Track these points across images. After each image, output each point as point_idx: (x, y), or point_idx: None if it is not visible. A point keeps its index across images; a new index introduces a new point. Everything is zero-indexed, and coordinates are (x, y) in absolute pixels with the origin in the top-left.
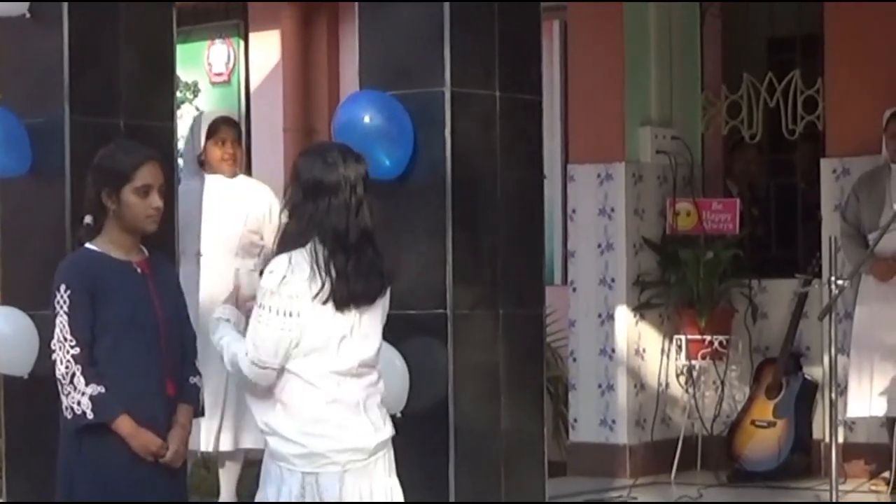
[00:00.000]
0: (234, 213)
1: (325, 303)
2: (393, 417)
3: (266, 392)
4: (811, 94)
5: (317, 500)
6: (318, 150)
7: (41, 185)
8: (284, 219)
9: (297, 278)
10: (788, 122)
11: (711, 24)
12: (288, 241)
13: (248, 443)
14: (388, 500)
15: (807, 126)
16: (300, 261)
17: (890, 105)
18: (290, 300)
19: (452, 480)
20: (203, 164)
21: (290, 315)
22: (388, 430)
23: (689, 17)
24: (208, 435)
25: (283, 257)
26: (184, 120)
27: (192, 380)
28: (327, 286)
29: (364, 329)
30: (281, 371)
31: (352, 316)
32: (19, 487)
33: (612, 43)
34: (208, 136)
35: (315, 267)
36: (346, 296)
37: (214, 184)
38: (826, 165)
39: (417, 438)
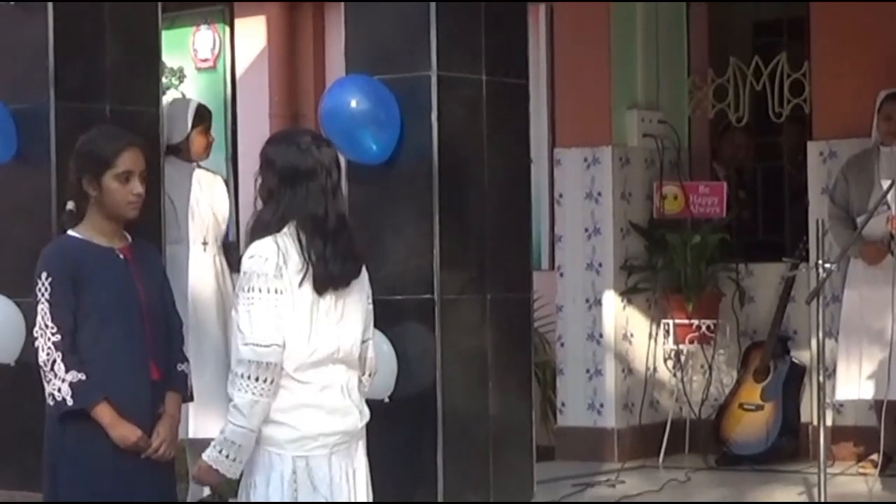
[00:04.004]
0: (224, 201)
1: (304, 287)
2: (381, 402)
3: None
4: (798, 77)
5: (307, 482)
6: (289, 137)
7: (26, 171)
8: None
9: (289, 262)
10: (775, 106)
11: (697, 8)
12: (264, 227)
13: None
14: (366, 481)
15: (793, 109)
16: (288, 245)
17: (876, 86)
18: (278, 281)
19: (440, 465)
20: (176, 151)
21: (281, 293)
22: (367, 413)
23: (674, 1)
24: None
25: (269, 242)
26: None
27: (180, 367)
28: (309, 271)
29: (343, 315)
30: None
31: (330, 300)
32: (6, 474)
33: (598, 26)
34: (196, 124)
35: (302, 253)
36: (325, 279)
37: (197, 172)
38: (813, 148)
39: (405, 423)
